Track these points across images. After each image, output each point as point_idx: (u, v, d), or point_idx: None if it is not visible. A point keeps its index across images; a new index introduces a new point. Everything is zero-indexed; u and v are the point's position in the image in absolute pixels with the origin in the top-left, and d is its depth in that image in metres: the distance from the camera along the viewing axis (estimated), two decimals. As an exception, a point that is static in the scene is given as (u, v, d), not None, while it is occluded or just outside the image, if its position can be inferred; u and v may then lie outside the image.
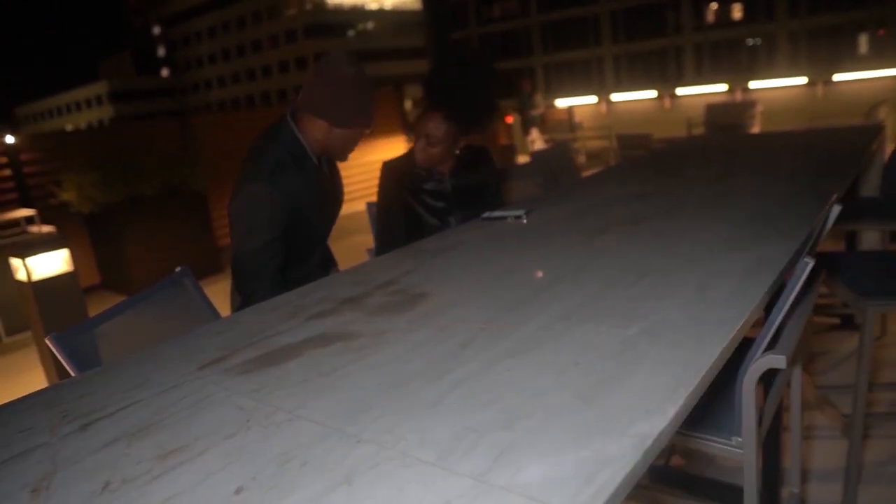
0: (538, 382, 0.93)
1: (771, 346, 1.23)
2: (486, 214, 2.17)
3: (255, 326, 1.33)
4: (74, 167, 5.79)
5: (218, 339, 1.29)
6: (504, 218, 2.11)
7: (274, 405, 0.96)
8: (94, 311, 3.78)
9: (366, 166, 8.10)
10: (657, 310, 1.16)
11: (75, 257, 3.75)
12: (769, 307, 1.26)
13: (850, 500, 2.02)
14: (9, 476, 0.86)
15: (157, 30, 78.85)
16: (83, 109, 74.22)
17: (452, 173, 2.35)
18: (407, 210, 2.30)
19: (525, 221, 2.05)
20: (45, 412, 1.05)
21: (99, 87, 71.77)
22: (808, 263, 1.20)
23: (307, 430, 0.87)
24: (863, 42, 30.16)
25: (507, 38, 43.25)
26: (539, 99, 10.80)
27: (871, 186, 3.28)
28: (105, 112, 69.85)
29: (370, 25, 61.96)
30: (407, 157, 2.34)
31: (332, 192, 2.04)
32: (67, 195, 5.72)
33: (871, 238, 3.32)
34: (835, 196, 1.87)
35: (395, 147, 8.51)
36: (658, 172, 2.88)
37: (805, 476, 2.14)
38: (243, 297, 1.83)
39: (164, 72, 78.33)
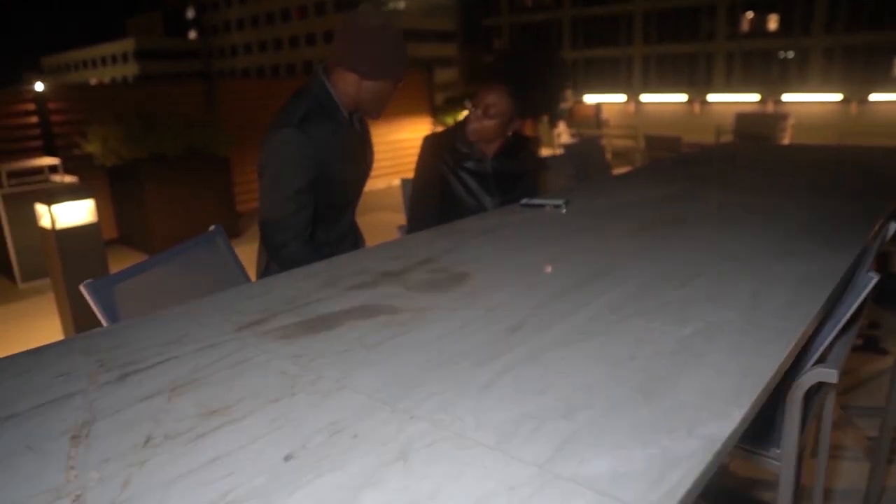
0: (593, 374, 0.90)
1: (820, 360, 1.20)
2: (524, 201, 2.13)
3: (291, 292, 1.30)
4: (100, 120, 5.78)
5: (254, 301, 1.26)
6: (543, 206, 2.07)
7: (318, 373, 0.93)
8: (113, 264, 3.77)
9: (391, 144, 8.05)
10: (711, 312, 1.12)
11: (96, 209, 3.73)
12: (822, 320, 1.22)
13: (868, 523, 1.98)
14: (47, 421, 0.83)
15: (187, -9, 78.67)
16: (108, 65, 74.31)
17: (495, 156, 2.31)
18: (444, 186, 2.26)
19: (564, 211, 2.01)
20: (82, 359, 1.02)
21: (126, 44, 71.79)
22: (872, 279, 1.16)
23: (355, 402, 0.84)
24: (899, 64, 29.65)
25: (538, 29, 42.86)
26: (568, 93, 10.64)
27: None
28: (130, 69, 69.93)
29: (401, 5, 61.59)
30: (450, 133, 2.31)
31: (363, 152, 2.00)
32: (92, 147, 5.72)
33: (904, 261, 3.25)
34: (889, 210, 1.82)
35: (421, 128, 8.45)
36: (693, 177, 2.82)
37: (826, 495, 2.10)
38: (271, 253, 1.81)
39: (192, 34, 78.24)
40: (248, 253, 1.95)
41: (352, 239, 2.08)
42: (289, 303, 1.24)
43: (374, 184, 2.21)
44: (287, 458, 0.72)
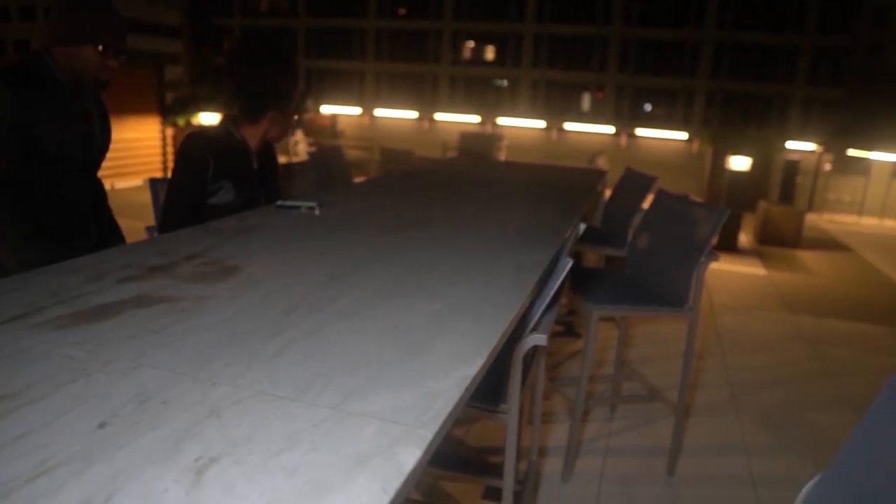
0: (366, 342, 1.07)
1: (534, 329, 1.53)
2: (279, 202, 2.24)
3: (54, 287, 1.27)
4: None
5: (12, 296, 1.21)
6: (298, 207, 2.20)
7: (109, 356, 0.97)
8: None
9: (119, 143, 7.39)
10: (453, 293, 1.37)
11: None
12: (533, 298, 1.55)
13: (568, 470, 2.46)
14: None
15: None
16: None
17: (258, 153, 2.36)
18: (216, 189, 2.21)
19: (318, 213, 2.16)
20: None
21: None
22: (569, 262, 1.52)
23: (156, 377, 0.91)
24: (586, 100, 35.17)
25: (272, 34, 42.21)
26: (310, 103, 10.69)
27: (594, 218, 3.97)
28: None
29: (119, -9, 55.91)
30: (215, 133, 2.26)
31: (88, 120, 2.00)
32: None
33: (591, 259, 4.01)
34: (580, 216, 2.30)
35: (151, 128, 7.90)
36: (426, 186, 3.18)
37: (540, 452, 2.55)
38: None
39: None
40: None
41: (103, 224, 2.03)
42: (54, 296, 1.21)
43: (114, 182, 2.17)
44: (101, 426, 0.78)
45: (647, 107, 33.38)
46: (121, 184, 6.76)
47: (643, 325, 4.21)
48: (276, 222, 2.00)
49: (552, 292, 1.52)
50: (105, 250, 1.57)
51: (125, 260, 1.47)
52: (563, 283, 1.59)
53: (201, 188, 2.17)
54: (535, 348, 1.73)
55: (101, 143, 2.04)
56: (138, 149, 7.15)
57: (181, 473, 0.69)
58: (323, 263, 1.54)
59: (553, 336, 3.83)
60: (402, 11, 38.39)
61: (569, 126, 31.73)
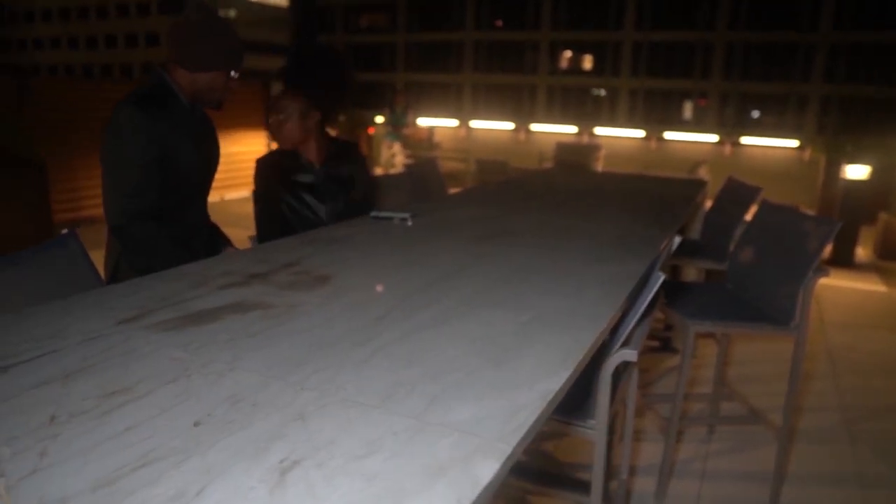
0: (453, 350, 1.08)
1: (625, 344, 1.48)
2: (374, 213, 2.30)
3: (163, 292, 1.36)
4: None
5: (127, 300, 1.30)
6: (391, 218, 2.25)
7: (208, 357, 1.03)
8: None
9: (225, 157, 7.83)
10: (543, 303, 1.36)
11: None
12: (625, 312, 1.51)
13: (661, 491, 2.36)
14: (-65, 407, 0.85)
15: (-19, -25, 70.03)
16: None
17: (322, 163, 2.44)
18: (283, 203, 2.37)
19: (410, 224, 2.20)
20: (-45, 353, 1.02)
21: None
22: (661, 277, 1.47)
23: (249, 379, 0.95)
24: (688, 108, 33.98)
25: (374, 50, 43.53)
26: (411, 118, 10.57)
27: (693, 230, 3.82)
28: None
29: (232, 13, 59.49)
30: (278, 152, 2.42)
31: (206, 141, 2.09)
32: None
33: (690, 273, 3.86)
34: (676, 228, 2.22)
35: (256, 141, 8.33)
36: (519, 198, 3.16)
37: (631, 470, 2.47)
38: (119, 235, 1.85)
39: (-14, 24, 69.66)
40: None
41: (205, 239, 2.14)
42: (163, 300, 1.30)
43: (219, 194, 2.31)
44: (196, 424, 0.82)
45: (755, 113, 31.78)
46: (230, 195, 7.14)
47: (745, 343, 3.99)
48: (368, 233, 2.05)
49: (643, 306, 1.47)
50: (209, 258, 1.66)
51: (227, 267, 1.56)
52: (654, 297, 1.54)
53: (274, 209, 2.31)
54: (627, 363, 1.68)
55: (215, 160, 2.15)
56: (245, 161, 7.55)
57: (266, 473, 0.72)
58: (413, 273, 1.57)
59: (649, 352, 3.70)
60: (499, 23, 38.58)
61: (669, 135, 30.70)
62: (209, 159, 2.09)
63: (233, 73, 2.00)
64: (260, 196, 2.39)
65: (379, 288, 1.44)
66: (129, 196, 1.82)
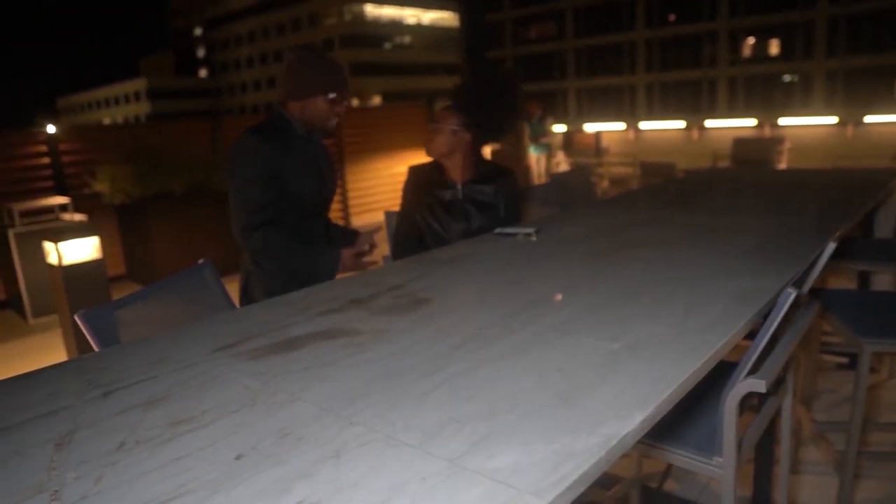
0: (521, 383, 1.00)
1: (753, 372, 1.29)
2: (498, 230, 2.25)
3: (267, 317, 1.42)
4: (110, 159, 5.98)
5: (231, 326, 1.38)
6: (515, 235, 2.19)
7: (277, 387, 1.04)
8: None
9: (392, 177, 8.22)
10: (644, 328, 1.22)
11: (104, 246, 3.89)
12: (754, 334, 1.32)
13: (837, 534, 2.04)
14: (35, 431, 0.95)
15: (198, 31, 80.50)
16: (121, 104, 75.87)
17: (465, 184, 2.44)
18: (423, 216, 2.41)
19: (534, 239, 2.12)
20: (72, 379, 1.14)
21: (138, 84, 73.37)
22: (790, 294, 1.26)
23: (305, 411, 0.95)
24: (899, 86, 29.87)
25: (542, 60, 43.50)
26: (550, 126, 9.87)
27: (886, 228, 3.30)
28: (142, 108, 71.34)
29: (407, 39, 62.69)
30: (430, 165, 2.46)
31: (320, 170, 2.22)
32: (101, 186, 5.91)
33: (883, 280, 3.33)
34: (835, 234, 1.92)
35: (418, 159, 8.65)
36: (670, 201, 2.94)
37: (793, 507, 2.17)
38: (249, 242, 2.03)
39: (203, 72, 79.87)
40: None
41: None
42: (263, 326, 1.36)
43: (375, 216, 2.44)
44: (238, 458, 0.83)
45: None
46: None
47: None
48: (486, 250, 2.01)
49: (771, 329, 1.28)
50: (322, 283, 1.72)
51: (333, 293, 1.60)
52: (791, 318, 1.33)
53: (413, 217, 2.35)
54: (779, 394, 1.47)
55: (330, 186, 2.28)
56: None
57: (279, 516, 0.71)
58: (515, 294, 1.50)
59: (834, 370, 3.25)
60: (672, 17, 36.73)
61: (869, 119, 26.97)
62: (321, 185, 2.22)
63: (331, 94, 2.11)
64: (404, 206, 2.47)
65: (468, 313, 1.39)
66: (252, 212, 2.00)
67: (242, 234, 2.03)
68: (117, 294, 4.23)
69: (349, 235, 2.36)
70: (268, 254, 2.06)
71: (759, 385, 1.24)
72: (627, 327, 1.23)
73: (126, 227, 6.25)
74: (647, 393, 0.95)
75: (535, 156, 9.63)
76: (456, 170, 2.44)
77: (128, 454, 0.86)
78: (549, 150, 9.67)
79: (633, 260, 1.75)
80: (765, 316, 1.33)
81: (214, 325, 1.40)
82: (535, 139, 9.54)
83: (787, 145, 8.87)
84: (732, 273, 1.56)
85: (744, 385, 1.25)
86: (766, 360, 1.35)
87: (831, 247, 1.63)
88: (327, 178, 2.24)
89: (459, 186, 2.44)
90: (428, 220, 2.41)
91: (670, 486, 2.32)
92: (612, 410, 0.90)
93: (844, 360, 3.39)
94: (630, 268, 1.67)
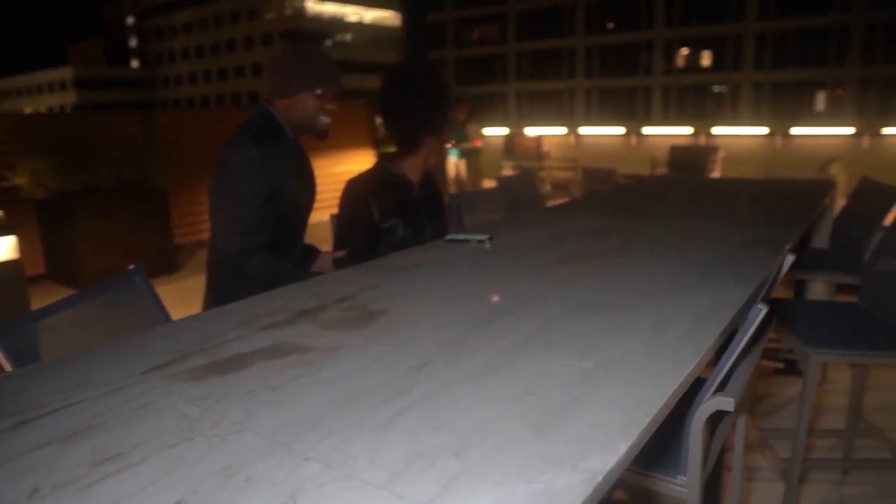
0: (491, 410, 0.93)
1: (720, 389, 1.26)
2: (450, 236, 2.17)
3: (205, 332, 1.30)
4: (30, 151, 5.61)
5: (166, 342, 1.25)
6: (468, 241, 2.11)
7: (220, 415, 0.93)
8: (37, 301, 3.64)
9: (334, 176, 8.02)
10: (613, 345, 1.17)
11: (22, 245, 3.61)
12: (721, 350, 1.28)
13: (784, 543, 2.06)
14: (-70, 473, 0.81)
15: (130, 20, 77.49)
16: (46, 93, 72.38)
17: (420, 186, 2.35)
18: (374, 225, 2.26)
19: (488, 246, 2.05)
20: (-24, 407, 1.00)
21: (64, 72, 70.15)
22: (761, 311, 1.23)
23: (253, 445, 0.85)
24: (821, 99, 31.41)
25: (484, 62, 43.77)
26: (472, 131, 8.86)
27: (821, 239, 3.40)
28: (68, 98, 68.25)
29: (348, 37, 62.02)
30: (376, 171, 2.32)
31: (309, 174, 2.11)
32: (20, 180, 5.53)
33: (818, 288, 3.43)
34: (788, 245, 1.93)
35: (364, 160, 8.48)
36: (620, 209, 2.93)
37: (743, 518, 2.17)
38: (243, 267, 1.88)
39: (134, 63, 76.95)
40: (185, 288, 1.96)
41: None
42: (201, 343, 1.24)
43: (317, 216, 2.30)
44: (175, 505, 0.72)
45: (902, 101, 28.79)
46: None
47: (888, 369, 3.49)
48: (440, 258, 1.92)
49: (741, 346, 1.24)
50: (264, 293, 1.59)
51: (279, 303, 1.48)
52: (759, 331, 1.30)
53: (361, 232, 2.20)
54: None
55: (314, 195, 2.17)
56: (352, 180, 7.71)
57: (225, 583, 0.60)
58: (473, 306, 1.42)
59: (773, 375, 3.31)
60: (611, 25, 37.59)
61: (796, 131, 28.27)
62: (311, 193, 2.11)
63: (318, 90, 1.97)
64: (345, 219, 2.29)
65: (425, 328, 1.30)
66: (248, 233, 1.85)
67: (238, 257, 1.87)
68: (36, 296, 3.95)
69: (310, 252, 2.23)
70: (264, 279, 1.88)
71: (727, 403, 1.20)
72: (595, 345, 1.17)
73: (47, 224, 5.87)
74: (629, 417, 0.89)
75: (452, 160, 8.86)
76: (415, 171, 2.34)
77: (43, 502, 0.74)
78: (472, 156, 8.89)
79: (590, 270, 1.70)
80: (732, 332, 1.30)
81: (147, 341, 1.27)
82: (456, 143, 8.76)
83: (721, 154, 9.14)
84: (696, 287, 1.53)
85: (711, 403, 1.21)
86: (732, 377, 1.32)
87: (790, 258, 1.62)
88: (313, 186, 2.12)
89: (417, 189, 2.35)
90: (395, 226, 2.25)
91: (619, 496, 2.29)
92: (593, 440, 0.83)
93: (780, 364, 3.47)
94: (589, 280, 1.62)
